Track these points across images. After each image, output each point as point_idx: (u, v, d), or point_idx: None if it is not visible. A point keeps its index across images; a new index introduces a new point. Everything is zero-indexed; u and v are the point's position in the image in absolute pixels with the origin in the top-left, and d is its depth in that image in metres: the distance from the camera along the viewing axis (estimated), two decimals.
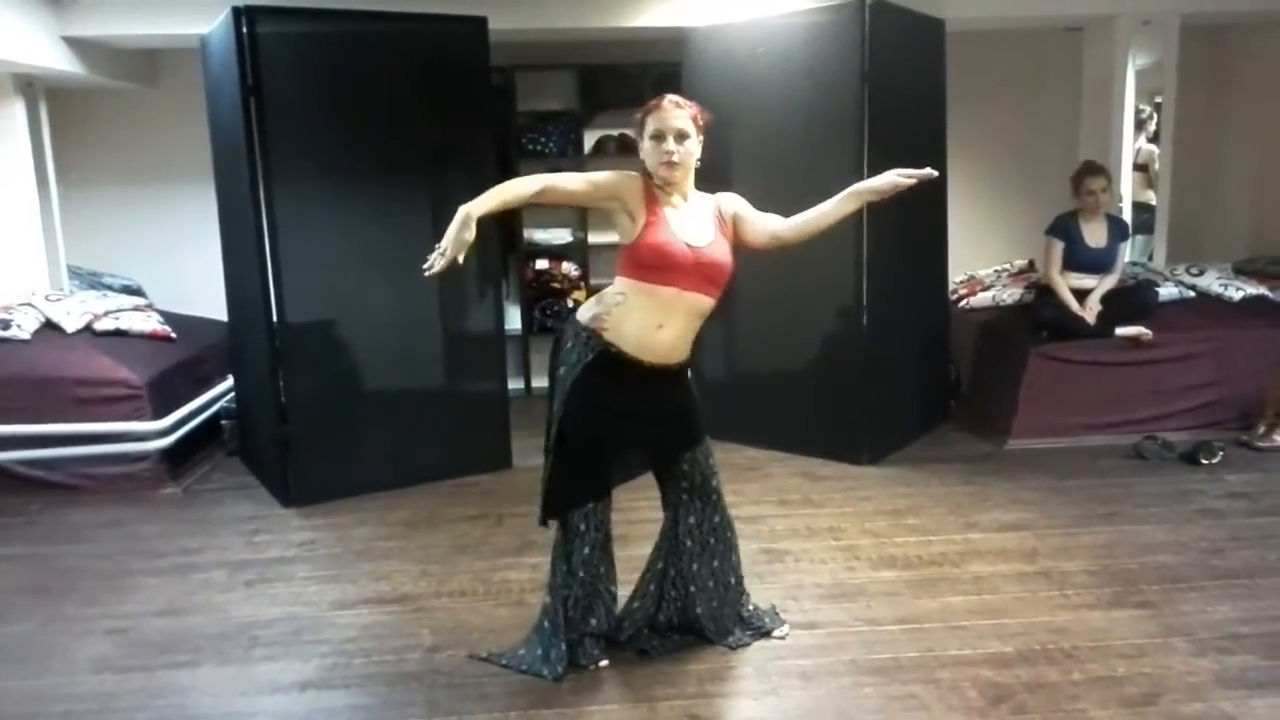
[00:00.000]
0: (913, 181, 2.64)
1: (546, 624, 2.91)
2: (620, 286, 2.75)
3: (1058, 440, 4.96)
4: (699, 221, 2.75)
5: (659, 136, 2.69)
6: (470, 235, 2.49)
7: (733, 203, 2.85)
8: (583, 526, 2.84)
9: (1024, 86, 6.62)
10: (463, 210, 2.50)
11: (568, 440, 2.79)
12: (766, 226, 2.81)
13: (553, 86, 6.36)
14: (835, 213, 2.75)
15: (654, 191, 2.73)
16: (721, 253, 2.75)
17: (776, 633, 3.06)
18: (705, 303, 2.76)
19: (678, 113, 2.69)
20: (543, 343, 6.53)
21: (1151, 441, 4.79)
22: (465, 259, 2.52)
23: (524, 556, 3.76)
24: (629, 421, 2.79)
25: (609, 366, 2.73)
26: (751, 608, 3.11)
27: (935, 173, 2.65)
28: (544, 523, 2.89)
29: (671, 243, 2.68)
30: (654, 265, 2.68)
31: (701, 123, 2.73)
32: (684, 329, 2.76)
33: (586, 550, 2.86)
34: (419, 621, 3.25)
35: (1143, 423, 4.99)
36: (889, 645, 3.00)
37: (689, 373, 2.90)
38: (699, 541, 2.94)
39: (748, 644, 3.00)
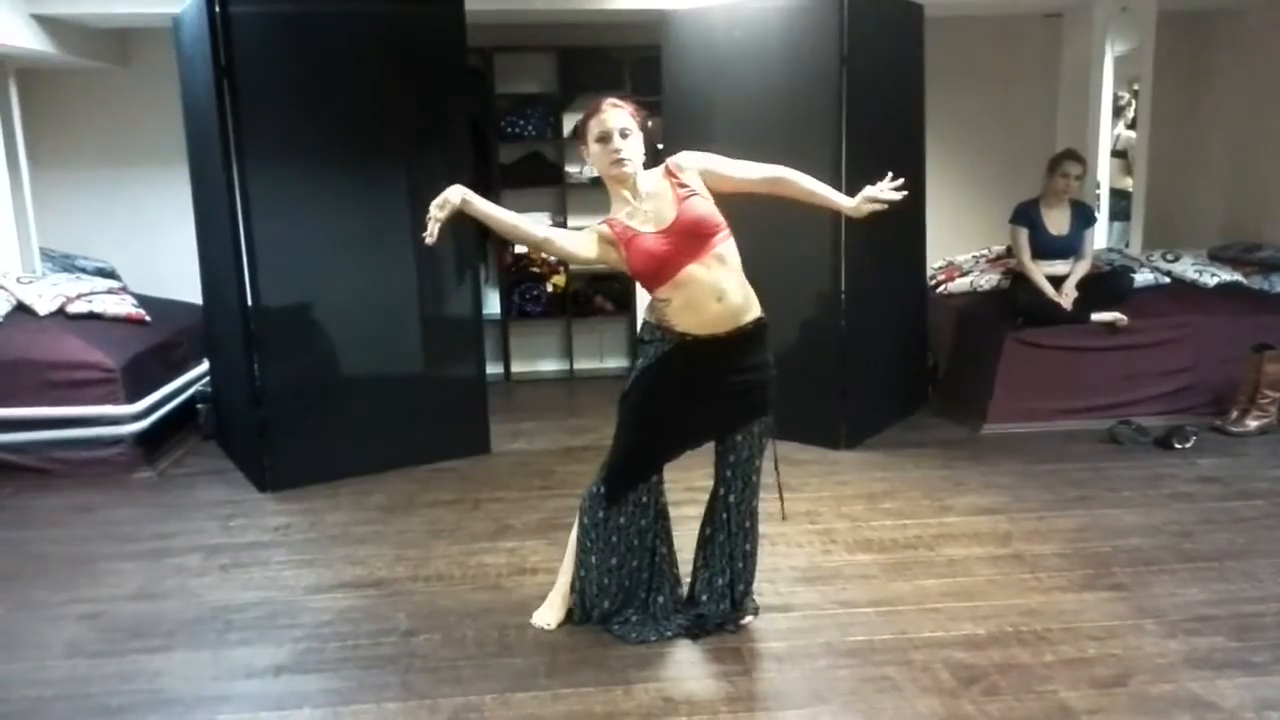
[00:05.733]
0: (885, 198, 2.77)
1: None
2: (656, 298, 2.80)
3: (1033, 425, 4.99)
4: (660, 206, 2.75)
5: (605, 138, 2.73)
6: (441, 215, 2.63)
7: (689, 161, 2.82)
8: (644, 499, 2.94)
9: (1003, 73, 6.64)
10: (455, 192, 2.64)
11: (631, 422, 2.89)
12: (763, 174, 2.84)
13: (532, 69, 6.34)
14: (824, 199, 2.86)
15: (617, 222, 2.77)
16: (693, 209, 2.73)
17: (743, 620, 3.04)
18: (721, 252, 2.74)
19: (617, 113, 2.74)
20: (521, 327, 6.54)
21: (1125, 426, 4.83)
22: (442, 239, 2.67)
23: (501, 541, 3.76)
24: (703, 400, 2.84)
25: (690, 351, 2.78)
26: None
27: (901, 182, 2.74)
28: (609, 505, 2.94)
29: (651, 247, 2.71)
30: (654, 271, 2.73)
31: (639, 119, 2.76)
32: (733, 282, 2.76)
33: (643, 522, 2.95)
34: (395, 606, 3.24)
35: (1117, 407, 5.03)
36: (863, 627, 3.02)
37: (766, 338, 2.90)
38: (736, 522, 2.95)
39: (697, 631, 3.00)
